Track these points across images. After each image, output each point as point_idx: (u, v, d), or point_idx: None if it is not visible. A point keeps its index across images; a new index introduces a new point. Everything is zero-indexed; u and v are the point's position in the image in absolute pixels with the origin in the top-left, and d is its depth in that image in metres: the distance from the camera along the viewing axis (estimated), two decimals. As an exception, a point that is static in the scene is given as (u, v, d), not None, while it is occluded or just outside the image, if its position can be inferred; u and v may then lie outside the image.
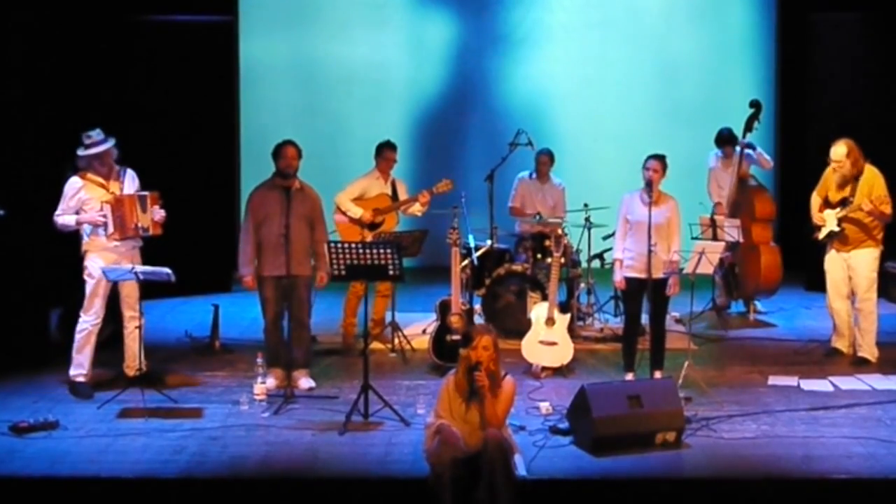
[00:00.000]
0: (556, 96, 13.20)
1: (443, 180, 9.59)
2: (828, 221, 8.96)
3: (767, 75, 13.09)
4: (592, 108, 13.14)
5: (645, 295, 8.22)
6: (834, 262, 9.06)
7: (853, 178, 8.82)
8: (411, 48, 13.18)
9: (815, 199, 9.10)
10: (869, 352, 8.99)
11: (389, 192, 9.64)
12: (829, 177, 9.01)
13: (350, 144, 12.47)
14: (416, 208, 9.61)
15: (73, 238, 8.21)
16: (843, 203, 8.86)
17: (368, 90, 13.07)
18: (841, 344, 9.15)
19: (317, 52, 13.05)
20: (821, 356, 9.20)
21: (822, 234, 9.02)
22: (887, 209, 8.76)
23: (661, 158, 8.23)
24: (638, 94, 13.12)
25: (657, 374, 8.23)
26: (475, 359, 6.48)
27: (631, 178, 8.57)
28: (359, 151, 10.98)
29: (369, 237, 9.31)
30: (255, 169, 10.54)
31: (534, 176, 10.55)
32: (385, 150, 9.66)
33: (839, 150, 8.81)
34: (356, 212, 9.46)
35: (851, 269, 8.96)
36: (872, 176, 8.82)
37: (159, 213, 8.16)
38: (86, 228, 8.08)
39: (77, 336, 8.13)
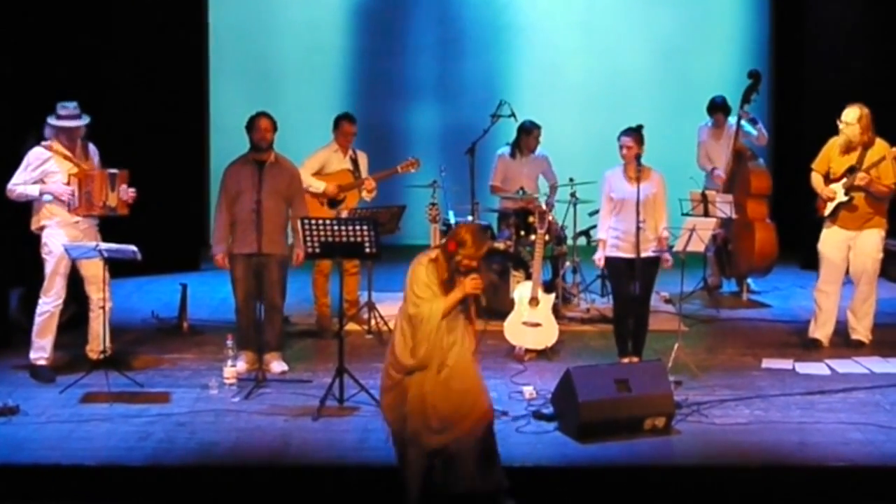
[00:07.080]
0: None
1: (408, 160, 9.39)
2: (836, 194, 8.63)
3: (762, 49, 12.86)
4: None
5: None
6: (834, 242, 8.71)
7: (861, 147, 8.54)
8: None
9: (816, 176, 8.78)
10: (864, 335, 8.83)
11: (350, 166, 9.36)
12: (831, 148, 8.72)
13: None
14: (364, 195, 9.35)
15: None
16: (851, 171, 8.56)
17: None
18: (821, 334, 8.81)
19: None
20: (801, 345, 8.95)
21: (829, 208, 8.66)
22: (887, 187, 8.52)
23: (634, 132, 7.99)
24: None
25: (634, 360, 8.06)
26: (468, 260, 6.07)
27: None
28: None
29: (330, 214, 9.00)
30: (225, 143, 10.29)
31: (515, 153, 10.29)
32: (342, 123, 9.36)
33: (851, 113, 8.53)
34: (318, 186, 9.17)
35: (857, 250, 8.67)
36: (884, 149, 8.53)
37: (129, 193, 8.01)
38: (46, 199, 7.85)
39: (38, 319, 7.96)
